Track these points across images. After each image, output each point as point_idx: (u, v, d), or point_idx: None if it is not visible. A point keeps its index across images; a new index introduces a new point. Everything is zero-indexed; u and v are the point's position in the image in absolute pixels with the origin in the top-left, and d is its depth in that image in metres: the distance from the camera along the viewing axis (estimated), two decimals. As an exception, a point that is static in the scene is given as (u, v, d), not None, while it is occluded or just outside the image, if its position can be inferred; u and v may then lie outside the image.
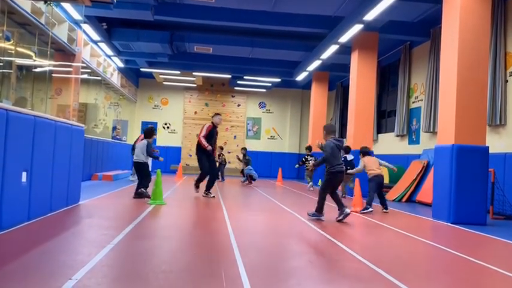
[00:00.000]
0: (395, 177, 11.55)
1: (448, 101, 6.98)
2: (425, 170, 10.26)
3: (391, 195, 10.59)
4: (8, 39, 7.23)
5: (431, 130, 10.75)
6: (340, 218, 6.15)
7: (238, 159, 14.62)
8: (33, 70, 9.26)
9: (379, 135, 14.26)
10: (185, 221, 5.86)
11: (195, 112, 19.71)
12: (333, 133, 6.52)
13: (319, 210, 6.23)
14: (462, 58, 6.81)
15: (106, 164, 13.79)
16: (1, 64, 7.71)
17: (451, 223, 6.56)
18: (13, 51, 8.25)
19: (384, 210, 7.63)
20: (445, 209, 6.72)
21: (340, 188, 8.81)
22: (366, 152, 8.17)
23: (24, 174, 4.63)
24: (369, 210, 7.31)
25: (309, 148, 13.27)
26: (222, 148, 15.04)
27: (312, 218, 6.25)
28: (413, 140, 12.05)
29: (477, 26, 6.86)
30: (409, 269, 3.74)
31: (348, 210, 6.15)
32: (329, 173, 6.28)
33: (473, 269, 3.85)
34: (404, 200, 10.14)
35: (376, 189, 7.61)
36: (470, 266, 3.91)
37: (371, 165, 7.76)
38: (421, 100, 11.68)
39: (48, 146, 5.29)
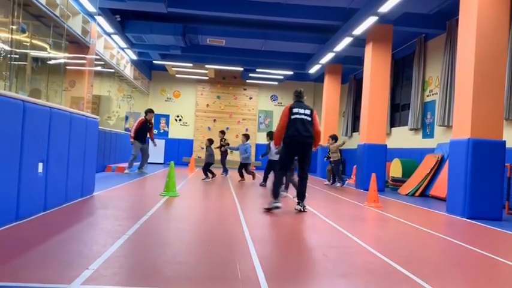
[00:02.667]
0: (408, 172, 11.46)
1: (464, 94, 6.87)
2: (440, 164, 10.15)
3: (404, 189, 10.51)
4: (23, 31, 7.29)
5: (446, 124, 10.62)
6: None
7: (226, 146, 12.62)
8: (48, 62, 9.34)
9: (393, 128, 14.13)
10: (198, 212, 5.88)
11: (207, 105, 19.73)
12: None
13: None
14: (480, 50, 6.69)
15: (119, 155, 13.91)
16: (17, 56, 7.78)
17: (466, 218, 6.49)
18: (28, 43, 8.32)
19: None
20: (460, 204, 6.65)
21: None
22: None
23: (40, 165, 4.68)
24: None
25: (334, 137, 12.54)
26: (223, 132, 13.13)
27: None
28: (428, 133, 11.92)
29: (495, 18, 6.73)
30: (425, 263, 3.70)
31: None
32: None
33: (490, 264, 3.80)
34: (417, 194, 10.05)
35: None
36: (486, 261, 3.87)
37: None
38: (436, 93, 11.53)
39: (63, 137, 5.33)
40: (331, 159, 11.85)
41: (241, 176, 11.48)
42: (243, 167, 11.51)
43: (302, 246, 4.12)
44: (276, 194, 6.10)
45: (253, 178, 11.95)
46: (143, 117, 11.99)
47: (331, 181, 12.01)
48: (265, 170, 10.45)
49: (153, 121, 12.40)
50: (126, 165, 12.12)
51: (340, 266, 3.40)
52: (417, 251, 4.17)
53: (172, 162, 7.44)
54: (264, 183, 10.38)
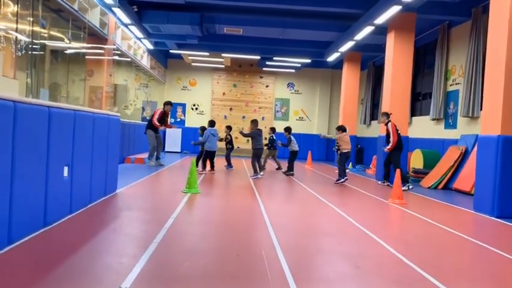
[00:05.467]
0: (429, 163, 11.26)
1: (494, 88, 6.63)
2: (463, 156, 9.92)
3: (426, 181, 10.32)
4: (43, 26, 7.23)
5: (471, 115, 10.34)
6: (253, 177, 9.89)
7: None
8: (66, 53, 9.28)
9: (413, 118, 13.85)
10: (221, 213, 5.82)
11: (223, 93, 19.61)
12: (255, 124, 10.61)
13: (255, 171, 10.05)
14: (512, 42, 6.42)
15: (138, 146, 13.94)
16: (37, 47, 7.71)
17: (495, 217, 6.32)
18: (46, 34, 8.25)
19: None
20: (488, 202, 6.48)
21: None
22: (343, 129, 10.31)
23: (66, 169, 4.66)
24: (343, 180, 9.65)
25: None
26: (229, 128, 12.82)
27: (253, 178, 9.75)
28: (450, 124, 11.65)
29: (529, 9, 6.44)
30: (461, 275, 3.59)
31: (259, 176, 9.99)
32: (254, 149, 10.33)
33: (529, 275, 3.68)
34: (440, 187, 9.87)
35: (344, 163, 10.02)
36: (525, 272, 3.74)
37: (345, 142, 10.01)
38: (459, 83, 11.22)
39: (87, 139, 5.30)
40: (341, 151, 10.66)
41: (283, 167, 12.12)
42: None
43: (333, 255, 4.03)
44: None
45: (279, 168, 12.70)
46: (162, 109, 12.07)
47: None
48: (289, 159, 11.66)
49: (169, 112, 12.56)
50: (146, 155, 12.19)
51: (373, 280, 3.31)
52: (450, 260, 4.05)
53: (193, 159, 7.38)
54: (290, 172, 11.45)
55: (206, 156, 10.82)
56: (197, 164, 10.59)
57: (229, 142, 12.52)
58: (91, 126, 5.39)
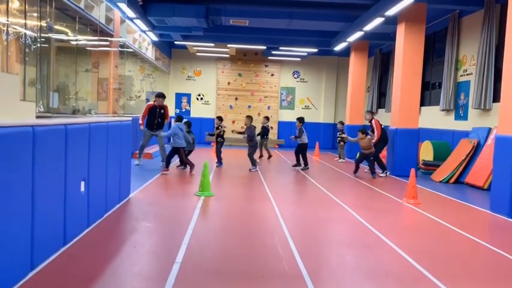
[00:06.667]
0: (440, 154, 11.17)
1: (512, 86, 6.51)
2: (475, 150, 9.83)
3: (437, 175, 10.25)
4: (50, 29, 7.08)
5: (482, 107, 10.20)
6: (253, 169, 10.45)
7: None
8: (72, 48, 9.11)
9: (422, 108, 13.67)
10: (238, 222, 5.77)
11: (229, 83, 19.43)
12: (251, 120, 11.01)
13: (254, 164, 10.60)
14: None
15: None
16: (43, 39, 7.56)
17: (513, 218, 6.28)
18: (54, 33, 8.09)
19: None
20: (506, 203, 6.41)
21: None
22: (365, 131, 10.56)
23: (82, 183, 4.60)
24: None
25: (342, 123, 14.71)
26: (220, 119, 11.38)
27: (252, 170, 10.35)
28: (461, 115, 11.52)
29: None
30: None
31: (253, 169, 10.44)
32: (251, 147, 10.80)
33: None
34: (452, 181, 9.80)
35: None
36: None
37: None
38: (471, 74, 11.05)
39: (101, 149, 5.23)
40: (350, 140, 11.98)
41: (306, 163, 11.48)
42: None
43: (356, 273, 3.99)
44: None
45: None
46: (151, 102, 10.90)
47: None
48: (301, 153, 11.49)
49: (165, 104, 10.97)
50: (153, 150, 12.10)
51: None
52: (477, 275, 4.01)
53: (206, 162, 7.31)
54: (304, 167, 11.40)
55: (172, 153, 9.59)
56: (167, 163, 9.51)
57: (221, 136, 11.10)
58: (105, 136, 5.32)
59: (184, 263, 3.87)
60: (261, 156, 13.28)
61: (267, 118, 13.74)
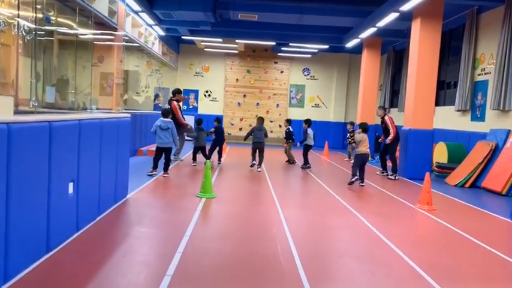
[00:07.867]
0: (454, 157, 10.69)
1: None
2: (493, 153, 9.34)
3: (452, 179, 9.77)
4: (48, 21, 6.77)
5: (501, 108, 9.69)
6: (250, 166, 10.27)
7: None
8: (73, 40, 8.81)
9: (437, 107, 13.17)
10: (239, 227, 5.39)
11: (237, 79, 19.05)
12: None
13: (260, 163, 10.40)
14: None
15: (150, 137, 13.52)
16: (44, 37, 7.27)
17: (536, 229, 5.83)
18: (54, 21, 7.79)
19: (361, 184, 8.67)
20: (528, 212, 5.97)
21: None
22: (365, 128, 9.01)
23: (70, 185, 4.26)
24: (354, 179, 8.57)
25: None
26: (218, 121, 11.31)
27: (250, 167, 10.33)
28: (477, 116, 11.01)
29: None
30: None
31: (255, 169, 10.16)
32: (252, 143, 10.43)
33: None
34: (467, 185, 9.32)
35: (359, 165, 8.65)
36: None
37: (364, 143, 8.71)
38: (489, 73, 10.54)
39: (94, 148, 4.89)
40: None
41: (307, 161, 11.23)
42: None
43: (358, 281, 3.60)
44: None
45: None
46: (174, 102, 10.85)
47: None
48: (303, 152, 11.29)
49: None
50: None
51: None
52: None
53: (208, 162, 6.95)
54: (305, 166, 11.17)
55: (158, 153, 8.77)
56: (155, 164, 8.71)
57: (219, 133, 10.96)
58: (98, 133, 4.97)
59: (177, 275, 3.52)
60: (293, 162, 12.17)
61: (288, 121, 12.42)
